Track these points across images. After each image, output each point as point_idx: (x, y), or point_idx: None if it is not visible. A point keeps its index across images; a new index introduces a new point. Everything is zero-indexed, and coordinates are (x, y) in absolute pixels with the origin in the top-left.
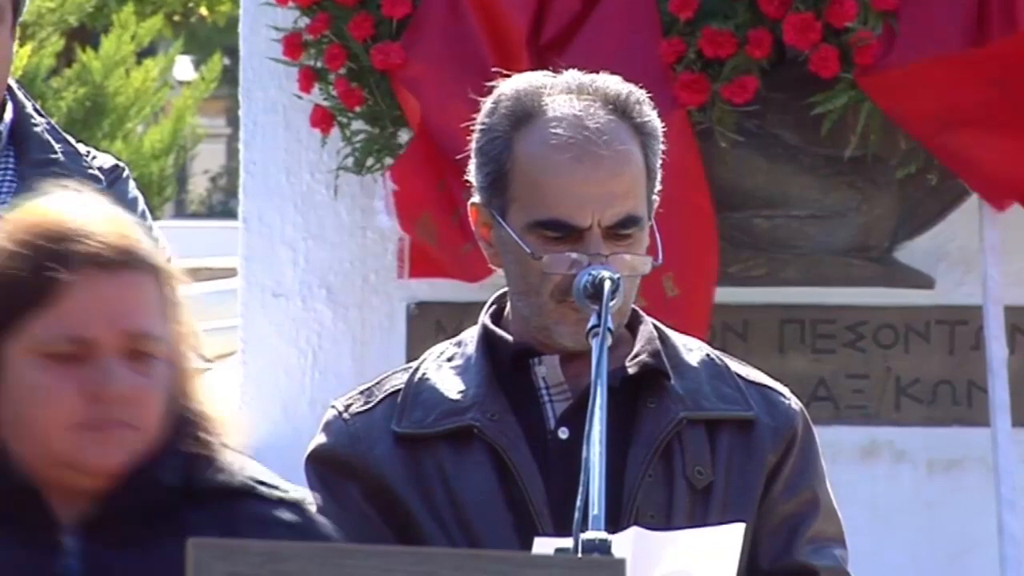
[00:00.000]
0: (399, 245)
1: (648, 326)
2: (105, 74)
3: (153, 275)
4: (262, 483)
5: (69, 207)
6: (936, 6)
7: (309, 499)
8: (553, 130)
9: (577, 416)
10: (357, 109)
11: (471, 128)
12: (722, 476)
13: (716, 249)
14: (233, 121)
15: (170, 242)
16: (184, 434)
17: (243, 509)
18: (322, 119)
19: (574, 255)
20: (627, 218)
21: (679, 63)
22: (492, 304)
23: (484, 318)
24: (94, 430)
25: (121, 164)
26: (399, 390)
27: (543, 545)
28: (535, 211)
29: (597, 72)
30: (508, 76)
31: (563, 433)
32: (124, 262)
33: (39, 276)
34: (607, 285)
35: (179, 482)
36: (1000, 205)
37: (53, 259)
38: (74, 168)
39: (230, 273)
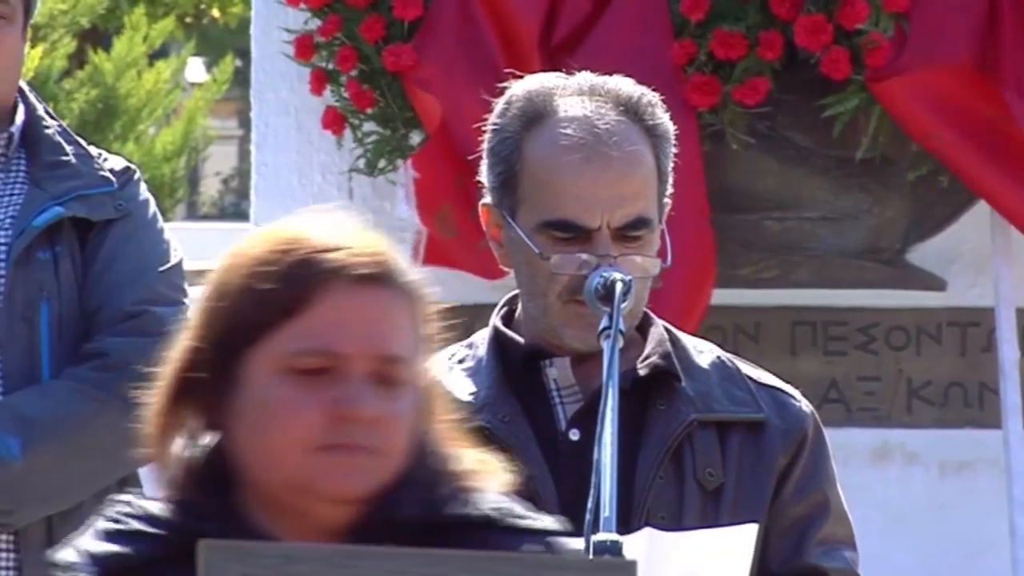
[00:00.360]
0: (416, 237)
1: (659, 328)
2: (117, 76)
3: (407, 296)
4: (507, 514)
5: (322, 222)
6: (946, 8)
7: (556, 526)
8: (563, 131)
9: (588, 418)
10: (369, 111)
11: (483, 128)
12: (732, 478)
13: (714, 249)
14: (245, 123)
15: (182, 244)
16: (425, 464)
17: (487, 542)
18: (334, 121)
19: (583, 256)
20: (636, 220)
21: (690, 65)
22: (503, 306)
23: (495, 320)
24: (336, 453)
25: (132, 166)
26: None
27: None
28: (544, 212)
29: (608, 73)
30: (520, 77)
31: (574, 435)
32: (378, 278)
33: (288, 286)
34: (619, 287)
35: (420, 514)
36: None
37: (303, 268)
38: (86, 170)
39: None
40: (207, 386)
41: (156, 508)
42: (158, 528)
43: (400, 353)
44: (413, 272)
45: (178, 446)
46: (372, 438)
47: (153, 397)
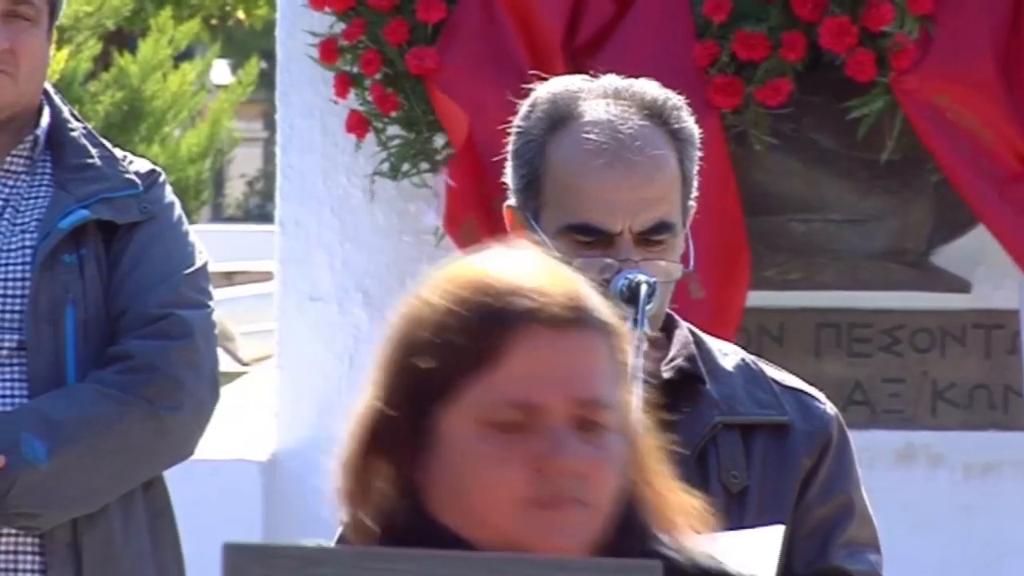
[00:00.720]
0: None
1: (684, 331)
2: (142, 78)
3: (604, 335)
4: (720, 571)
5: (507, 261)
6: (970, 10)
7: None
8: (586, 135)
9: None
10: (393, 114)
11: (507, 131)
12: (757, 481)
13: (747, 253)
14: (270, 125)
15: (207, 246)
16: (635, 514)
17: None
18: (358, 124)
19: (605, 260)
20: (659, 224)
21: (712, 66)
22: None
23: None
24: (543, 508)
25: (157, 169)
26: None
27: None
28: (566, 215)
29: (630, 75)
30: (545, 79)
31: None
32: (573, 320)
33: (479, 336)
34: (643, 288)
35: None
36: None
37: (494, 317)
38: (111, 173)
39: (267, 277)
40: (398, 444)
41: None
42: None
43: (602, 396)
44: (606, 307)
45: (370, 504)
46: (580, 490)
47: (342, 454)
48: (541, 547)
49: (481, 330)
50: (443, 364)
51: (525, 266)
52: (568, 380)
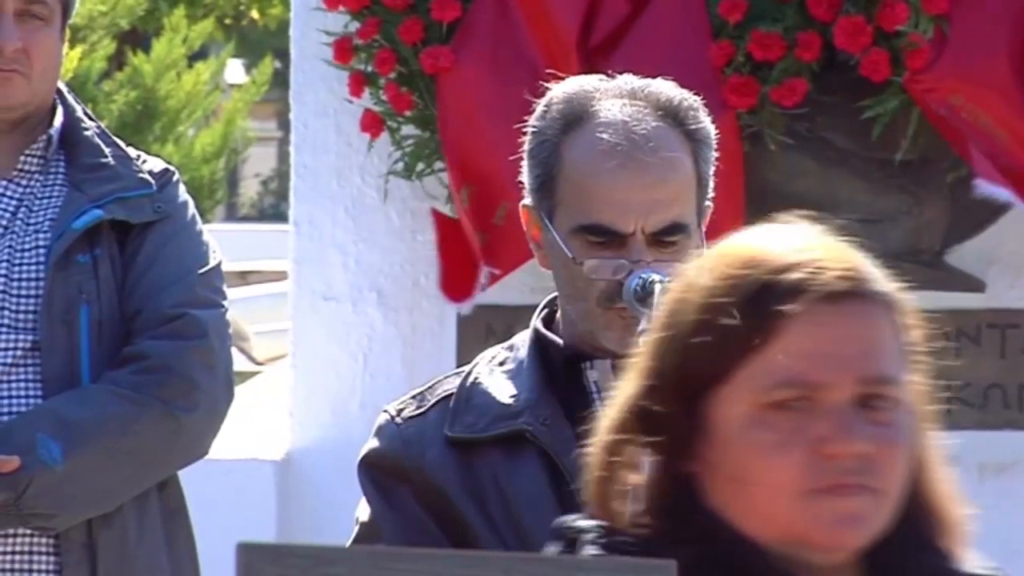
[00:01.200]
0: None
1: None
2: (156, 77)
3: (885, 307)
4: None
5: (779, 235)
6: (985, 9)
7: None
8: (600, 135)
9: None
10: (407, 113)
11: (522, 131)
12: None
13: None
14: (284, 124)
15: (221, 246)
16: (920, 503)
17: None
18: (372, 123)
19: (617, 261)
20: (672, 225)
21: (728, 66)
22: (544, 308)
23: (536, 322)
24: (829, 497)
25: (171, 168)
26: (451, 395)
27: None
28: (579, 215)
29: (646, 75)
30: (561, 79)
31: None
32: (851, 292)
33: (752, 313)
34: (657, 287)
35: (924, 568)
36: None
37: (767, 292)
38: (125, 173)
39: (281, 276)
40: (670, 433)
41: (633, 541)
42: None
43: (886, 372)
44: (887, 278)
45: (629, 497)
46: (866, 476)
47: (599, 444)
48: (826, 541)
49: (754, 307)
50: (716, 345)
51: (798, 240)
52: (848, 357)
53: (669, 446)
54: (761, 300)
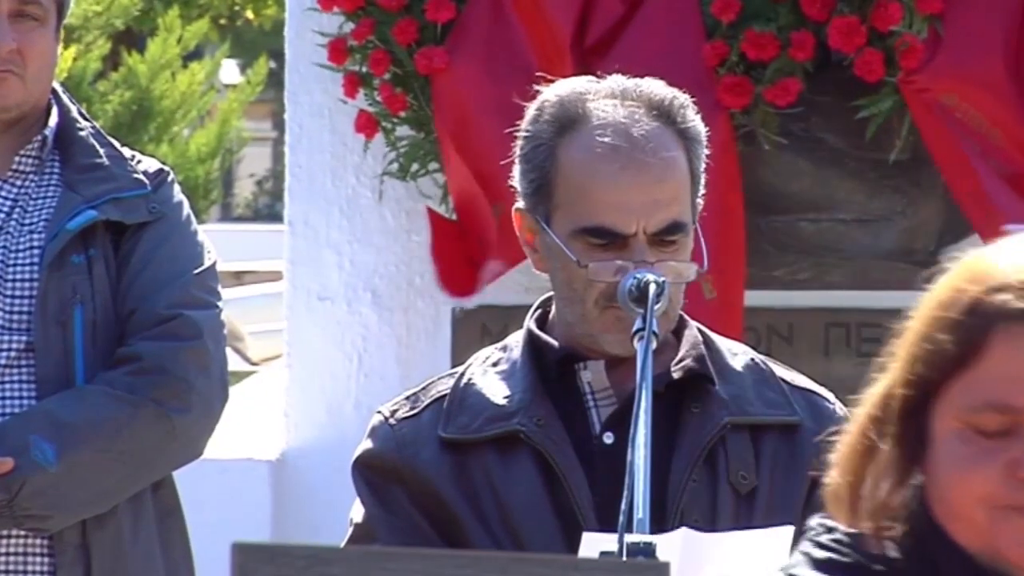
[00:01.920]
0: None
1: (693, 331)
2: (151, 78)
3: None
4: None
5: (1006, 253)
6: (979, 9)
7: None
8: (598, 137)
9: (622, 421)
10: (402, 114)
11: (515, 134)
12: (766, 482)
13: (744, 251)
14: (279, 125)
15: (216, 246)
16: None
17: None
18: (367, 124)
19: (619, 262)
20: (672, 224)
21: (722, 66)
22: (537, 308)
23: (529, 323)
24: (1018, 516)
25: (166, 168)
26: (445, 395)
27: (591, 541)
28: (580, 218)
29: (640, 75)
30: (551, 81)
31: (608, 438)
32: None
33: (964, 329)
34: (652, 288)
35: None
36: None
37: (978, 310)
38: (119, 173)
39: (276, 277)
40: (899, 433)
41: (869, 543)
42: (881, 565)
43: None
44: None
45: (870, 484)
46: None
47: (850, 430)
48: (1015, 556)
49: (964, 325)
50: (935, 359)
51: (1016, 259)
52: None
53: (900, 452)
54: (971, 318)
